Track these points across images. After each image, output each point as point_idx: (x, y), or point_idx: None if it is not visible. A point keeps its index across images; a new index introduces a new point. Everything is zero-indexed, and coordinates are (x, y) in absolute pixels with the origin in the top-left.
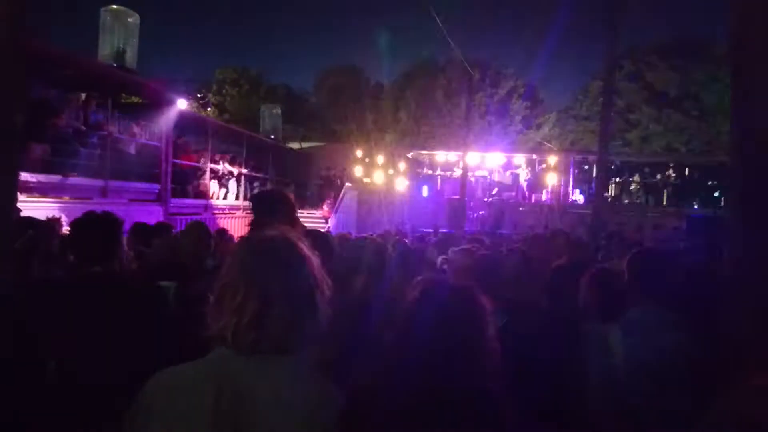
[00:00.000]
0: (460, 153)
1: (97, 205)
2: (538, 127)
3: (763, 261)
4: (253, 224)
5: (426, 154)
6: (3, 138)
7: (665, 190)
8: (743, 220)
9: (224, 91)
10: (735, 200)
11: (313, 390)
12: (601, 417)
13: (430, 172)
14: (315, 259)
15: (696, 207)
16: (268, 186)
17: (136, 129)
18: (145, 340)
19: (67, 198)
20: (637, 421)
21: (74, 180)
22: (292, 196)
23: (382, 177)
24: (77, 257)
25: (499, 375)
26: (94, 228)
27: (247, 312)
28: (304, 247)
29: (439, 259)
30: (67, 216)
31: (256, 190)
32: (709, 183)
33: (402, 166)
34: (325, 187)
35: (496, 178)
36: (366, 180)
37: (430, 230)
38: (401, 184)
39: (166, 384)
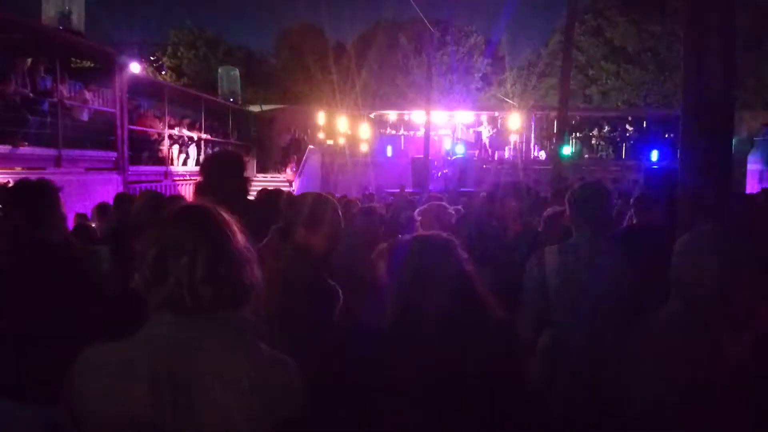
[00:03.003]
0: (422, 112)
1: (52, 175)
2: (500, 84)
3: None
4: (201, 187)
5: (389, 113)
6: None
7: (624, 144)
8: (692, 172)
9: (180, 53)
10: (685, 152)
11: (259, 358)
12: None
13: (393, 132)
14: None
15: (654, 159)
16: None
17: (87, 95)
18: (70, 302)
19: (19, 169)
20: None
21: (25, 150)
22: (242, 156)
23: (345, 138)
24: (10, 224)
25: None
26: (24, 195)
27: (199, 269)
28: (225, 214)
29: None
30: None
31: None
32: (667, 136)
33: (365, 126)
34: (288, 150)
35: (459, 135)
36: (329, 142)
37: (396, 190)
38: (365, 145)
39: (99, 364)
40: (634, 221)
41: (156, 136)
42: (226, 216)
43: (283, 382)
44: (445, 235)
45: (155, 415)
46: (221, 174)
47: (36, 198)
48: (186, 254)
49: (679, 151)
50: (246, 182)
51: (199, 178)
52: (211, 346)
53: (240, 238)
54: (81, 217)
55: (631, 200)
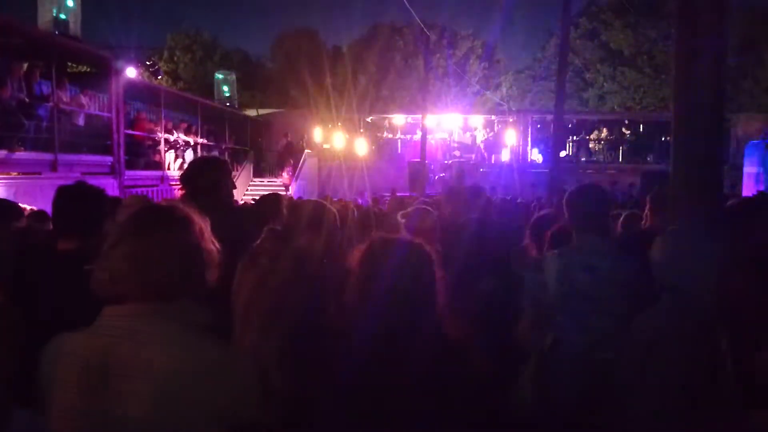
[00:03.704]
0: (419, 116)
1: (48, 180)
2: (496, 87)
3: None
4: (184, 195)
5: (386, 117)
6: None
7: (621, 147)
8: (684, 174)
9: (176, 57)
10: (677, 154)
11: (200, 352)
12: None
13: (390, 135)
14: (202, 223)
15: (651, 161)
16: (227, 155)
17: (83, 99)
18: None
19: (15, 174)
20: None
21: (21, 154)
22: (223, 161)
23: (342, 142)
24: (55, 229)
25: (447, 316)
26: (73, 200)
27: (118, 257)
28: (189, 211)
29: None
30: (15, 192)
31: None
32: (663, 138)
33: (362, 130)
34: (285, 154)
35: (456, 139)
36: (326, 146)
37: (387, 194)
38: (361, 149)
39: (55, 351)
40: (647, 224)
41: (152, 140)
42: (180, 214)
43: (232, 381)
44: (420, 243)
45: (85, 402)
46: (200, 172)
47: (88, 205)
48: (111, 244)
49: (671, 152)
50: (226, 179)
51: (181, 179)
52: (145, 336)
53: (186, 235)
54: None
55: (648, 198)
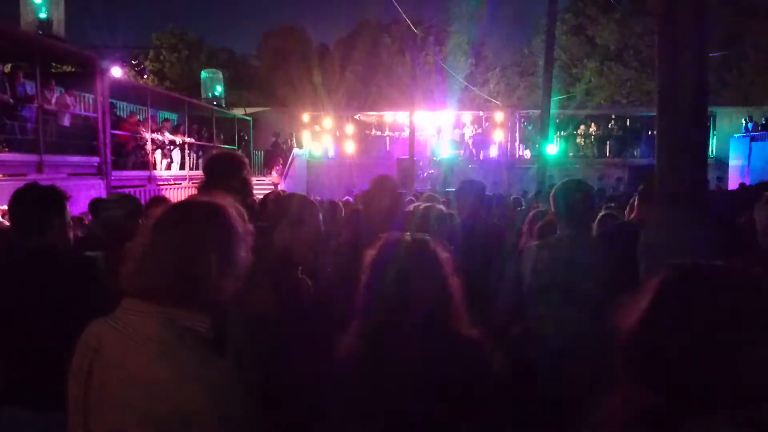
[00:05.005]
0: (407, 113)
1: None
2: (483, 83)
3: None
4: (201, 188)
5: (374, 115)
6: None
7: (608, 142)
8: (668, 165)
9: (162, 57)
10: (662, 146)
11: (186, 370)
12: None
13: (378, 132)
14: (235, 224)
15: (637, 155)
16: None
17: (68, 100)
18: (73, 310)
19: (0, 176)
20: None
21: (6, 156)
22: (243, 158)
23: (331, 140)
24: (14, 229)
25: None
26: (30, 199)
27: (134, 258)
28: (222, 210)
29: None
30: (0, 194)
31: (201, 159)
32: (650, 132)
33: (350, 128)
34: (273, 153)
35: (443, 136)
36: (314, 143)
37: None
38: (350, 147)
39: (79, 341)
40: (632, 215)
41: (139, 140)
42: (202, 210)
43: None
44: (430, 239)
45: (81, 390)
46: (223, 173)
47: (40, 203)
48: (141, 243)
49: (655, 145)
50: (245, 181)
51: (202, 178)
52: (137, 335)
53: (201, 234)
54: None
55: (638, 189)
